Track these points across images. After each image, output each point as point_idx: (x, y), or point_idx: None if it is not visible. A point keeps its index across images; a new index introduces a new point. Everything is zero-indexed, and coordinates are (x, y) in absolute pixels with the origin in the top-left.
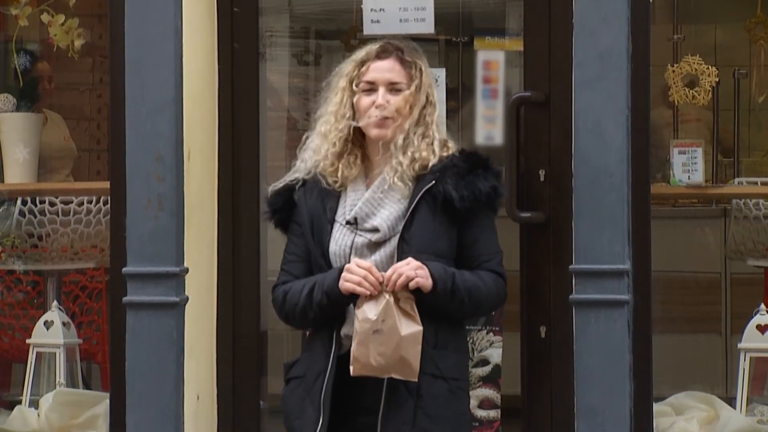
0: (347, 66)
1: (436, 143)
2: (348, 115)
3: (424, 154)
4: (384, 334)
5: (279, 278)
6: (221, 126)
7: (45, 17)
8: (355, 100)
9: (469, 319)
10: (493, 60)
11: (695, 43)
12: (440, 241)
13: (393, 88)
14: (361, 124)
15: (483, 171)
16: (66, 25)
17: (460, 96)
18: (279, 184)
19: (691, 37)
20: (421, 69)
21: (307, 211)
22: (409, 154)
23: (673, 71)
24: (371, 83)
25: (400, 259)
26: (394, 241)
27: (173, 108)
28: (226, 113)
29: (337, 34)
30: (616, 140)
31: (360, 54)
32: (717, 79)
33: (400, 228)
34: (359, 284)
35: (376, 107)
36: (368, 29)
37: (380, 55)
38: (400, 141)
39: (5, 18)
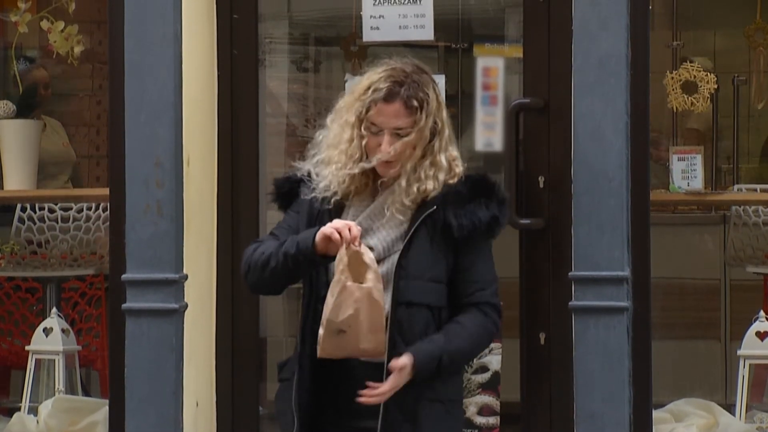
0: (355, 102)
1: (442, 174)
2: (357, 156)
3: (429, 186)
4: (347, 335)
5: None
6: (220, 131)
7: (44, 24)
8: (364, 143)
9: None
10: (492, 66)
11: (694, 49)
12: (436, 268)
13: (397, 132)
14: (371, 164)
15: (486, 199)
16: (65, 31)
17: (459, 102)
18: (290, 172)
19: (690, 44)
20: (427, 106)
21: (308, 212)
22: (414, 188)
23: (672, 78)
24: (378, 126)
25: (396, 283)
26: (389, 263)
27: (172, 113)
28: (225, 119)
29: (337, 40)
30: (615, 146)
31: (368, 92)
32: (716, 86)
33: (396, 249)
34: (334, 231)
35: (381, 152)
36: (367, 36)
37: (387, 98)
38: (403, 182)
39: (5, 25)
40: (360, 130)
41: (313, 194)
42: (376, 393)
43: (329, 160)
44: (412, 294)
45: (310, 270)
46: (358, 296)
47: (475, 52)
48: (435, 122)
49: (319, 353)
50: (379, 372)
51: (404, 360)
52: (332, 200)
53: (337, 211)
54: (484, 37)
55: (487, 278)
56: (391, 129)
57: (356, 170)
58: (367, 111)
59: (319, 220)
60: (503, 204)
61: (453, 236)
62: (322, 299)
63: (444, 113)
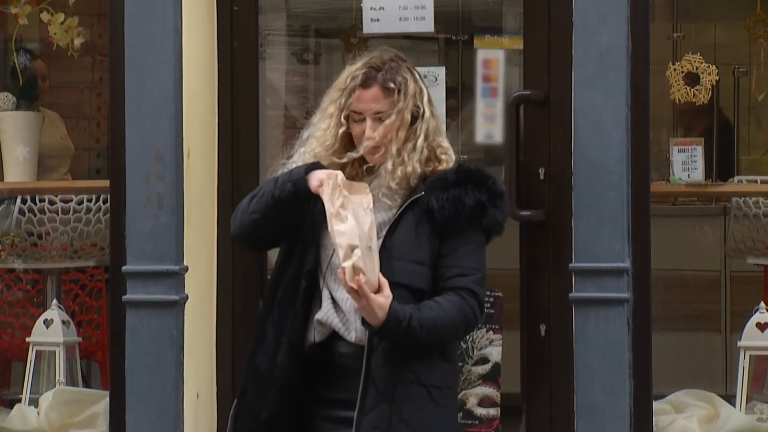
0: (334, 93)
1: (416, 154)
2: (329, 143)
3: (409, 169)
4: (373, 252)
5: None
6: (221, 124)
7: (45, 16)
8: (341, 131)
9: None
10: (492, 58)
11: (695, 41)
12: (420, 250)
13: (378, 117)
14: (358, 154)
15: (473, 186)
16: (65, 23)
17: (459, 94)
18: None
19: (691, 36)
20: (405, 89)
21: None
22: (398, 173)
23: (674, 69)
24: (360, 113)
25: (381, 265)
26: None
27: (173, 106)
28: (225, 111)
29: (337, 32)
30: (615, 138)
31: (346, 81)
32: (717, 78)
33: (383, 234)
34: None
35: (366, 138)
36: (368, 28)
37: (364, 83)
38: (389, 165)
39: (5, 17)
40: (339, 119)
41: None
42: (354, 281)
43: (305, 156)
44: (392, 274)
45: (293, 207)
46: (366, 205)
47: (475, 44)
48: (416, 106)
49: (358, 280)
50: (362, 361)
51: (388, 295)
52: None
53: None
54: (484, 28)
55: (470, 266)
56: (371, 114)
57: (344, 159)
58: (348, 100)
59: (312, 217)
60: (498, 198)
61: (437, 221)
62: (308, 274)
63: (425, 99)
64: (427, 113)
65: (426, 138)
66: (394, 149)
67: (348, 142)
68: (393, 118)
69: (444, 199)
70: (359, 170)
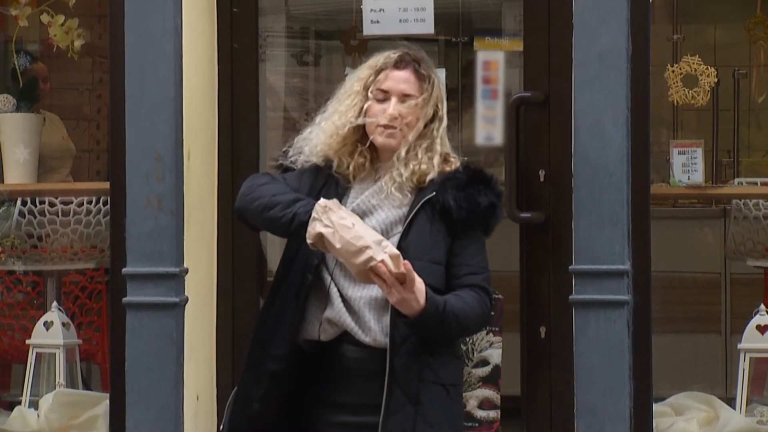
0: (363, 71)
1: (437, 157)
2: (351, 114)
3: (424, 167)
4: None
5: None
6: (221, 125)
7: (45, 18)
8: (366, 105)
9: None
10: (492, 60)
11: (695, 42)
12: (436, 249)
13: (405, 100)
14: (363, 121)
15: (484, 187)
16: (66, 25)
17: (459, 96)
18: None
19: (691, 37)
20: (433, 83)
21: (312, 180)
22: (411, 166)
23: (673, 71)
24: (385, 92)
25: None
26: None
27: (173, 107)
28: (225, 113)
29: (337, 34)
30: (615, 140)
31: (378, 60)
32: (716, 79)
33: (395, 232)
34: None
35: (387, 114)
36: (368, 29)
37: (398, 64)
38: (402, 153)
39: (5, 18)
40: (365, 95)
41: (299, 157)
42: (402, 265)
43: (323, 127)
44: None
45: (300, 242)
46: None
47: (475, 46)
48: (437, 107)
49: (405, 263)
50: (376, 364)
51: (421, 281)
52: (323, 163)
53: (340, 189)
54: (484, 30)
55: (480, 265)
56: (399, 93)
57: (359, 122)
58: (377, 76)
59: (324, 194)
60: (499, 196)
61: (451, 219)
62: (315, 269)
63: (445, 108)
64: (445, 121)
65: (441, 142)
66: (411, 137)
67: (362, 135)
68: (419, 101)
69: (461, 198)
70: (370, 166)
